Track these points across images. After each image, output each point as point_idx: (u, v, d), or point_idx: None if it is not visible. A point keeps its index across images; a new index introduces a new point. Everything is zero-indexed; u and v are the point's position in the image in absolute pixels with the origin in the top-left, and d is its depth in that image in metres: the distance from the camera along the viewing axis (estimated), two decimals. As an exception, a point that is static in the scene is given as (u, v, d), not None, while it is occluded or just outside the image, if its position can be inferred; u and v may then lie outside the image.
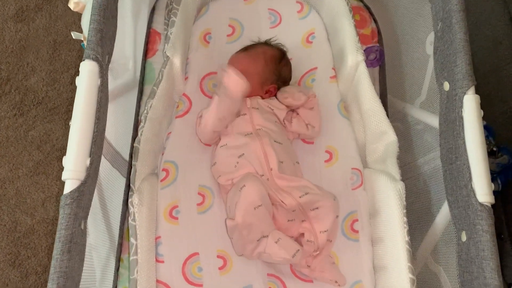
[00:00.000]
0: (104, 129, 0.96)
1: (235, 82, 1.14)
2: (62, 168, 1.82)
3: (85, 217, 0.90)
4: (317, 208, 1.09)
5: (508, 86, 1.80)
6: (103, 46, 0.94)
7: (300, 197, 1.09)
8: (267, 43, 1.34)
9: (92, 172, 0.88)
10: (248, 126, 1.18)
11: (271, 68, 1.28)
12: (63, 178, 0.86)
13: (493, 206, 1.74)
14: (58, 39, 1.96)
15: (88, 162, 0.86)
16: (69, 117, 1.87)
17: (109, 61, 1.01)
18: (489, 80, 1.93)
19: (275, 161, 1.13)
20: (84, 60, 0.91)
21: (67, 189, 0.84)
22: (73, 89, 1.89)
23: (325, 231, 1.07)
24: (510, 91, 1.79)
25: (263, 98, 1.27)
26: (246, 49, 1.32)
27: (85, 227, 0.90)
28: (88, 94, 0.88)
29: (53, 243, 1.70)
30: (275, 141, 1.16)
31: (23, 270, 1.67)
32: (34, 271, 1.67)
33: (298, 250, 1.03)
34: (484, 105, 1.99)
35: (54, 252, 0.81)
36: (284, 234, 1.05)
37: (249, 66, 1.25)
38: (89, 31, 0.93)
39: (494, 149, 1.67)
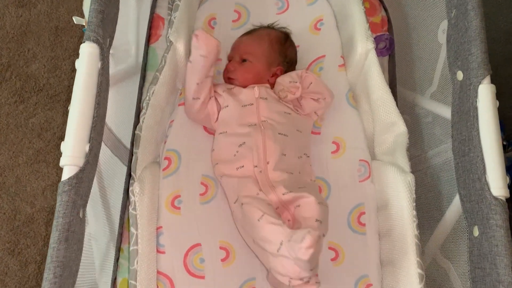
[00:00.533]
0: (104, 115, 0.93)
1: (205, 40, 1.10)
2: (62, 156, 1.79)
3: (84, 205, 0.87)
4: (298, 205, 1.02)
5: (521, 78, 1.76)
6: (104, 28, 0.90)
7: (283, 194, 1.04)
8: (269, 27, 1.31)
9: (91, 159, 0.85)
10: (253, 117, 1.14)
11: (276, 49, 1.24)
12: (61, 164, 0.83)
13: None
14: (60, 25, 1.93)
15: (87, 148, 0.83)
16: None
17: (110, 44, 0.97)
18: (499, 73, 1.89)
19: (273, 155, 1.09)
20: (84, 41, 0.87)
21: (65, 175, 0.81)
22: (74, 76, 1.85)
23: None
24: (522, 84, 1.75)
25: (270, 82, 1.23)
26: (249, 32, 1.29)
27: (84, 216, 0.87)
28: (88, 77, 0.85)
29: (53, 232, 1.69)
30: (279, 134, 1.12)
31: (22, 259, 1.65)
32: (33, 260, 1.65)
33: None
34: (496, 97, 1.96)
35: (51, 240, 0.78)
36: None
37: (254, 48, 1.22)
38: (89, 11, 0.90)
39: (504, 143, 1.64)
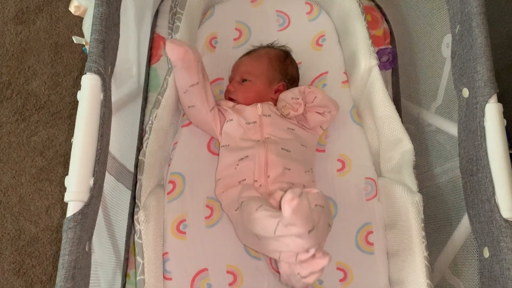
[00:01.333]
0: (108, 144, 0.92)
1: (169, 50, 1.10)
2: (66, 174, 1.79)
3: (90, 238, 0.86)
4: None
5: (524, 83, 1.75)
6: (106, 57, 0.89)
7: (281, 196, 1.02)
8: (269, 46, 1.31)
9: (96, 192, 0.84)
10: (257, 134, 1.14)
11: (276, 67, 1.24)
12: (65, 200, 0.81)
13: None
14: (60, 41, 1.92)
15: (91, 182, 0.82)
16: (72, 122, 1.84)
17: (112, 72, 0.96)
18: (503, 78, 1.88)
19: (275, 169, 1.09)
20: (85, 73, 0.86)
21: (70, 211, 0.80)
22: (76, 92, 1.82)
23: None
24: (525, 89, 1.74)
25: (273, 99, 1.22)
26: (248, 53, 1.29)
27: (90, 249, 0.86)
28: (91, 110, 0.84)
29: (58, 251, 1.68)
30: (282, 149, 1.12)
31: (28, 279, 1.65)
32: (39, 280, 1.65)
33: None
34: (500, 102, 1.95)
35: (58, 279, 0.77)
36: None
37: (253, 67, 1.23)
38: (90, 42, 0.89)
39: (510, 151, 1.62)
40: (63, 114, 1.83)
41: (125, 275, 1.11)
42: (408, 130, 1.20)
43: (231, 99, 1.23)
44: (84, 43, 1.50)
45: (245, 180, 1.10)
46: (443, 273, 1.14)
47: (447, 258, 1.11)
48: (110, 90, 0.93)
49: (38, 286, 1.64)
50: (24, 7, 1.94)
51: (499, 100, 1.87)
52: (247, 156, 1.11)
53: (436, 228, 1.15)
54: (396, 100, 1.36)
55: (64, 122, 1.83)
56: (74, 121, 1.87)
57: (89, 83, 0.85)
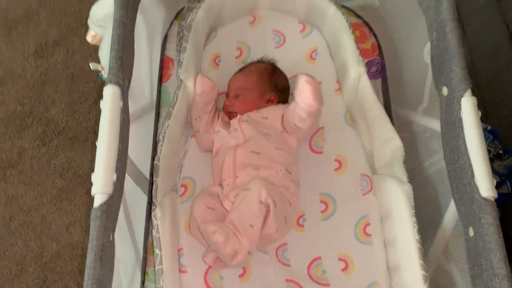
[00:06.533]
0: (127, 148, 1.04)
1: (200, 82, 1.32)
2: (84, 194, 1.91)
3: (113, 229, 0.96)
4: None
5: (510, 90, 1.85)
6: (123, 71, 1.02)
7: (234, 197, 1.19)
8: (259, 61, 1.43)
9: (118, 187, 0.95)
10: (240, 139, 1.26)
11: (266, 79, 1.36)
12: (92, 193, 0.92)
13: (505, 207, 1.77)
14: (76, 71, 2.06)
15: (114, 177, 0.93)
16: (88, 145, 1.96)
17: (129, 85, 1.09)
18: (492, 85, 1.99)
19: (243, 170, 1.21)
20: (107, 84, 0.99)
21: (97, 202, 0.91)
22: (91, 118, 1.98)
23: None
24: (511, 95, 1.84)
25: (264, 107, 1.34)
26: (240, 70, 1.42)
27: (113, 239, 0.96)
28: (112, 115, 0.96)
29: (78, 266, 1.77)
30: (251, 151, 1.23)
31: (51, 294, 1.73)
32: (61, 294, 1.73)
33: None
34: (489, 109, 2.05)
35: (88, 261, 0.87)
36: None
37: (245, 83, 1.36)
38: (110, 59, 1.02)
39: (500, 152, 1.71)
40: (80, 138, 1.96)
41: (144, 273, 1.21)
42: (402, 138, 1.30)
43: (229, 112, 1.35)
44: (100, 69, 1.64)
45: (225, 180, 1.23)
46: (438, 260, 1.22)
47: (440, 245, 1.20)
48: (128, 100, 1.06)
49: (61, 300, 1.73)
50: (43, 42, 2.11)
51: (490, 106, 1.98)
52: (224, 162, 1.24)
53: (428, 217, 1.24)
54: (387, 106, 1.47)
55: (81, 145, 1.94)
56: (91, 145, 2.00)
57: (110, 92, 0.98)
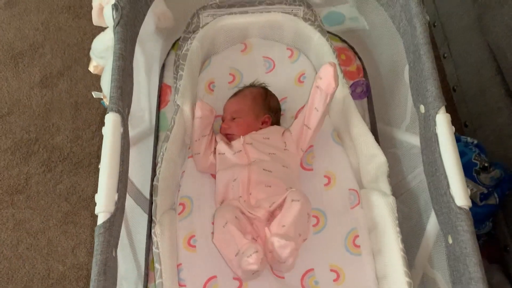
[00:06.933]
0: (127, 170, 1.12)
1: (200, 106, 1.40)
2: (89, 217, 1.99)
3: (116, 246, 1.04)
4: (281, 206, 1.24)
5: (494, 105, 1.93)
6: (123, 100, 1.11)
7: (269, 206, 1.25)
8: (251, 85, 1.53)
9: (120, 206, 1.03)
10: (244, 160, 1.34)
11: (260, 102, 1.46)
12: (96, 212, 1.00)
13: (495, 219, 1.83)
14: (79, 100, 2.16)
15: (116, 197, 1.01)
16: (92, 170, 2.05)
17: (128, 112, 1.18)
18: (477, 101, 2.07)
19: (256, 187, 1.28)
20: (108, 113, 1.08)
21: (100, 220, 0.98)
22: (94, 143, 2.07)
23: (283, 225, 1.18)
24: (496, 110, 1.91)
25: (261, 128, 1.43)
26: (235, 94, 1.51)
27: (116, 255, 1.04)
28: (113, 141, 1.05)
29: (83, 287, 1.84)
30: (263, 169, 1.31)
31: (58, 314, 1.79)
32: (67, 314, 1.79)
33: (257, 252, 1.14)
34: (475, 124, 2.12)
35: (92, 275, 0.94)
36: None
37: (240, 106, 1.45)
38: (110, 88, 1.11)
39: (486, 164, 1.78)
40: (84, 163, 2.04)
41: (146, 288, 1.28)
42: (390, 154, 1.38)
43: (226, 134, 1.44)
44: (102, 97, 1.74)
45: (240, 197, 1.29)
46: (424, 268, 1.28)
47: (424, 254, 1.26)
48: (128, 126, 1.15)
49: (67, 320, 1.78)
50: (47, 73, 2.21)
51: (476, 121, 2.05)
52: (236, 179, 1.31)
53: (412, 229, 1.31)
54: (373, 124, 1.56)
55: (85, 170, 2.03)
56: (94, 169, 2.09)
57: (111, 119, 1.07)
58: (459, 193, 1.05)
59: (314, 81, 1.34)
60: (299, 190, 1.28)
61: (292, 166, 1.37)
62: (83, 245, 1.90)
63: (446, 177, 1.08)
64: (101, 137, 1.07)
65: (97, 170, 1.03)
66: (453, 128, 1.14)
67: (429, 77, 1.17)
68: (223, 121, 1.48)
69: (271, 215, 1.26)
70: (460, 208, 1.04)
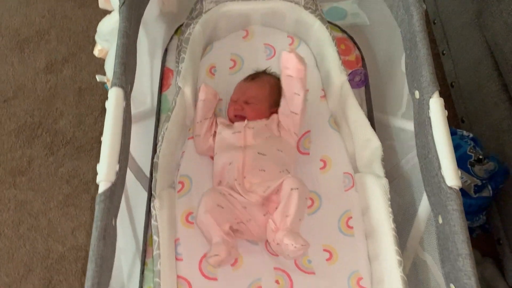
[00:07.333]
0: (129, 144, 1.16)
1: (204, 89, 1.45)
2: (89, 200, 2.02)
3: (115, 215, 1.07)
4: (277, 192, 1.27)
5: (490, 101, 1.95)
6: (127, 76, 1.15)
7: (264, 192, 1.28)
8: (266, 72, 1.55)
9: (120, 177, 1.06)
10: (240, 141, 1.38)
11: (274, 94, 1.49)
12: (97, 181, 1.03)
13: (488, 212, 1.86)
14: (83, 86, 2.20)
15: (117, 167, 1.05)
16: (94, 154, 2.08)
17: (131, 90, 1.22)
18: (474, 97, 2.10)
19: (251, 171, 1.32)
20: (111, 87, 1.12)
21: (101, 189, 1.01)
22: (97, 129, 2.11)
23: (287, 216, 1.21)
24: (492, 106, 1.94)
25: (267, 117, 1.46)
26: (252, 78, 1.52)
27: (115, 224, 1.07)
28: (116, 114, 1.08)
29: (82, 268, 1.87)
30: (258, 153, 1.34)
31: (56, 293, 1.82)
32: (65, 294, 1.82)
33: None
34: (472, 120, 2.15)
35: (92, 239, 0.96)
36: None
37: (258, 93, 1.47)
38: (114, 64, 1.14)
39: (481, 157, 1.82)
40: (86, 148, 2.08)
41: (143, 263, 1.30)
42: (388, 146, 1.41)
43: (236, 116, 1.46)
44: (105, 81, 1.77)
45: (235, 180, 1.32)
46: (415, 250, 1.31)
47: (416, 236, 1.29)
48: (130, 102, 1.19)
49: (65, 299, 1.82)
50: (53, 59, 2.25)
51: (473, 116, 2.07)
52: (231, 162, 1.34)
53: (405, 212, 1.34)
54: (370, 113, 1.59)
55: (87, 154, 2.07)
56: (96, 154, 2.13)
57: (114, 94, 1.10)
58: (450, 173, 1.07)
59: (282, 72, 1.42)
60: (295, 177, 1.31)
61: (287, 150, 1.40)
62: (83, 227, 1.93)
63: (437, 158, 1.11)
64: (104, 123, 1.09)
65: (99, 155, 1.05)
66: (446, 112, 1.17)
67: (424, 63, 1.20)
68: (233, 101, 1.49)
69: (266, 200, 1.30)
70: (450, 188, 1.06)
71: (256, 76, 1.53)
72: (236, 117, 1.46)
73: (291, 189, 1.24)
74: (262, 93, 1.47)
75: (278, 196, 1.27)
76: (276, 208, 1.25)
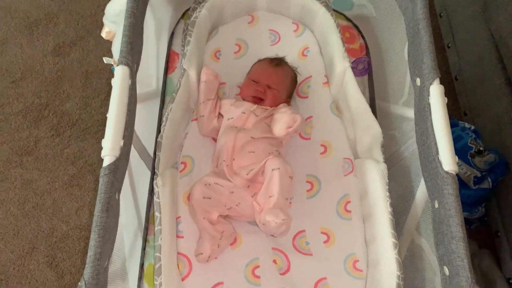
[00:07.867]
0: (133, 122, 1.18)
1: (205, 71, 1.47)
2: (93, 181, 2.05)
3: (119, 190, 1.10)
4: (261, 174, 1.30)
5: (493, 95, 1.96)
6: (133, 55, 1.17)
7: (247, 174, 1.30)
8: (287, 62, 1.55)
9: (124, 152, 1.09)
10: (239, 123, 1.40)
11: (293, 86, 1.53)
12: (102, 155, 1.06)
13: (487, 204, 1.88)
14: (90, 69, 2.23)
15: (121, 143, 1.07)
16: (99, 136, 2.11)
17: (137, 69, 1.24)
18: (477, 90, 2.11)
19: (240, 153, 1.34)
20: (118, 65, 1.14)
21: (106, 163, 1.04)
22: (103, 111, 2.14)
23: (270, 196, 1.24)
24: (495, 99, 1.95)
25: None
26: (277, 64, 1.51)
27: (119, 198, 1.10)
28: (121, 91, 1.11)
29: (85, 247, 1.91)
30: (251, 137, 1.37)
31: (59, 271, 1.85)
32: (68, 271, 1.85)
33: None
34: (475, 113, 2.16)
35: (95, 211, 1.00)
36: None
37: (282, 81, 1.49)
38: (121, 44, 1.17)
39: (481, 148, 1.83)
40: (92, 130, 2.11)
41: (145, 240, 1.34)
42: (391, 136, 1.42)
43: (256, 97, 1.46)
44: (112, 63, 1.80)
45: (224, 161, 1.35)
46: (412, 235, 1.34)
47: (413, 221, 1.31)
48: (136, 81, 1.21)
49: (68, 277, 1.85)
50: (61, 42, 2.28)
51: (476, 109, 2.08)
52: (226, 142, 1.37)
53: (403, 198, 1.36)
54: (372, 100, 1.61)
55: (92, 136, 2.10)
56: (101, 136, 2.17)
57: (121, 71, 1.13)
58: (447, 158, 1.09)
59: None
60: (278, 157, 1.31)
61: (269, 138, 1.41)
62: (87, 207, 1.96)
63: (435, 143, 1.12)
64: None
65: (104, 137, 1.08)
66: (446, 99, 1.19)
67: (426, 50, 1.22)
68: (254, 81, 1.48)
69: (252, 181, 1.32)
70: (447, 172, 1.08)
71: (280, 64, 1.53)
72: (254, 98, 1.46)
73: (272, 169, 1.26)
74: (285, 82, 1.49)
75: (264, 177, 1.30)
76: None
